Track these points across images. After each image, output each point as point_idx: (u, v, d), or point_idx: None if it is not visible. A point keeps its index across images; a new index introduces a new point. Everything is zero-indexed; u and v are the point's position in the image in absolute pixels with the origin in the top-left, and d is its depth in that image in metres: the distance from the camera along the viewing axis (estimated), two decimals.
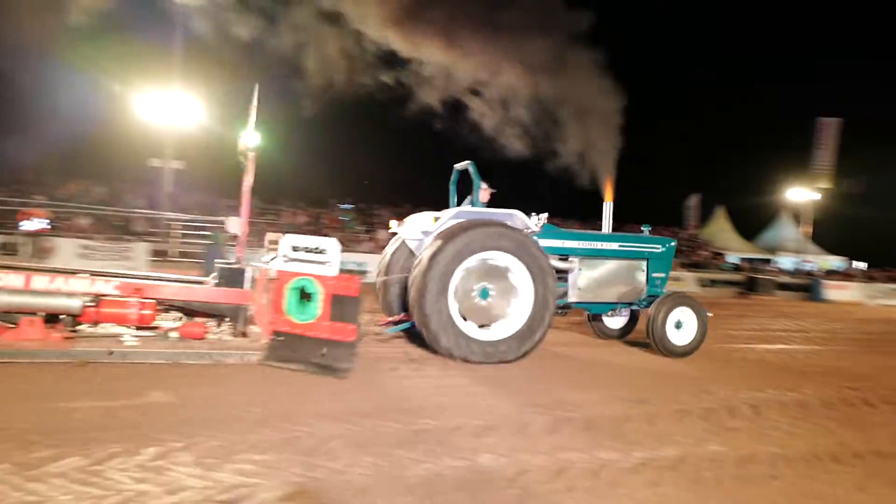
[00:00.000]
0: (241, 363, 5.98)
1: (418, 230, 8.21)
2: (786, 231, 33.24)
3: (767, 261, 29.87)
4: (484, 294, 7.35)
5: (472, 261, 7.21)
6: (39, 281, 6.13)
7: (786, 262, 30.19)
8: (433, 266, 6.94)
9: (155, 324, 6.47)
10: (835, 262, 32.25)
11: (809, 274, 27.69)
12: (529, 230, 7.79)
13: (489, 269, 7.37)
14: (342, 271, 6.08)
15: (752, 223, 35.95)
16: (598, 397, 5.78)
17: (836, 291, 23.93)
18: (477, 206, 8.05)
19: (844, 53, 62.90)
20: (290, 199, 27.32)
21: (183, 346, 6.20)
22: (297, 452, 3.80)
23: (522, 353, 7.21)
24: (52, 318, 5.97)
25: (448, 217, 7.64)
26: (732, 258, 28.72)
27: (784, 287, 23.76)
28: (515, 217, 7.69)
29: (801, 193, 25.06)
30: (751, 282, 22.45)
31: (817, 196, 25.10)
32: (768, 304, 20.38)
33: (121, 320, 6.34)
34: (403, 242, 8.49)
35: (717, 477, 3.95)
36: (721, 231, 31.77)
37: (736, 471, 4.09)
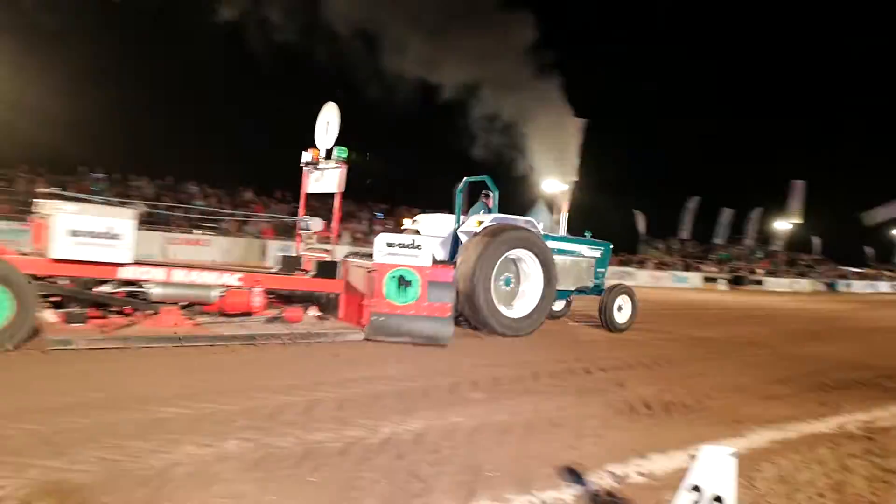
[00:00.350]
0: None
1: (443, 229, 10.32)
2: (543, 218, 36.88)
3: None
4: (507, 282, 9.91)
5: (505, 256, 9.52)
6: (178, 274, 7.19)
7: None
8: (482, 262, 9.03)
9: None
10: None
11: None
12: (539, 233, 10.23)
13: (508, 261, 9.76)
14: None
15: (515, 209, 39.29)
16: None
17: None
18: (495, 213, 10.23)
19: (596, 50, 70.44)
20: (30, 163, 24.07)
21: (305, 328, 7.65)
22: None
23: (538, 326, 9.95)
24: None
25: (489, 221, 9.73)
26: None
27: None
28: (532, 223, 10.13)
29: (555, 184, 27.87)
30: None
31: (566, 188, 28.07)
32: None
33: (243, 308, 7.55)
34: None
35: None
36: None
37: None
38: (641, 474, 4.29)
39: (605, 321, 11.07)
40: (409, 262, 7.78)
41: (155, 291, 7.02)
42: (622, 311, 11.33)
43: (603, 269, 11.85)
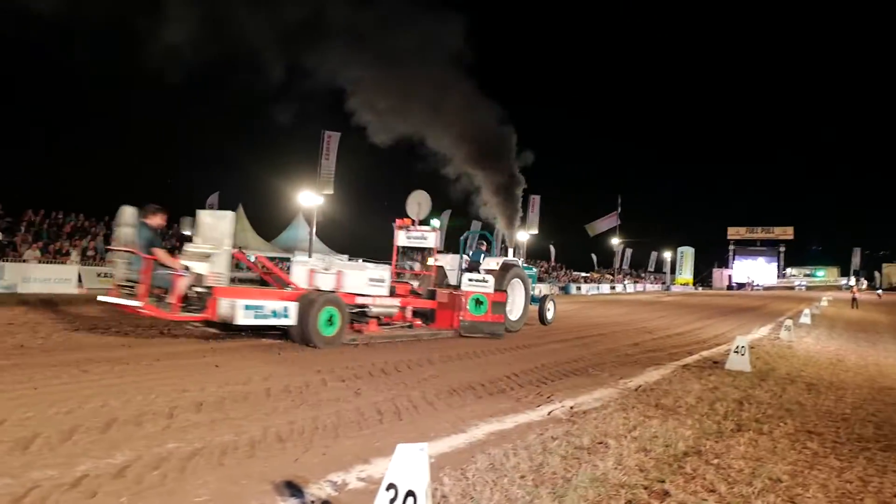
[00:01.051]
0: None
1: (454, 264, 14.85)
2: (301, 231, 36.35)
3: (287, 259, 32.12)
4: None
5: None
6: (385, 301, 12.24)
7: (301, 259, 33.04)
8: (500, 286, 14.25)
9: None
10: (342, 259, 36.77)
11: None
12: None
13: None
14: None
15: (272, 223, 38.27)
16: None
17: None
18: (495, 255, 15.91)
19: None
20: None
21: (426, 331, 12.95)
22: None
23: (522, 325, 15.51)
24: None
25: (500, 261, 15.56)
26: (251, 256, 29.95)
27: None
28: (518, 261, 16.38)
29: (309, 198, 27.66)
30: (263, 279, 23.77)
31: (321, 200, 28.06)
32: None
33: (400, 319, 12.81)
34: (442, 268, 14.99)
35: None
36: (242, 230, 32.91)
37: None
38: (361, 479, 4.33)
39: (541, 319, 16.83)
40: (482, 290, 13.22)
41: (374, 310, 11.87)
42: (550, 311, 17.17)
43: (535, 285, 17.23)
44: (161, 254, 8.81)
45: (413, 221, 15.24)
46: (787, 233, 72.15)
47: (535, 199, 44.74)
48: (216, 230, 9.96)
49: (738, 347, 11.45)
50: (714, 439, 6.10)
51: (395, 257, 14.83)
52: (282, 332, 10.51)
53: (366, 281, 11.54)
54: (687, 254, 72.44)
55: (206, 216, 10.42)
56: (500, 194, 19.01)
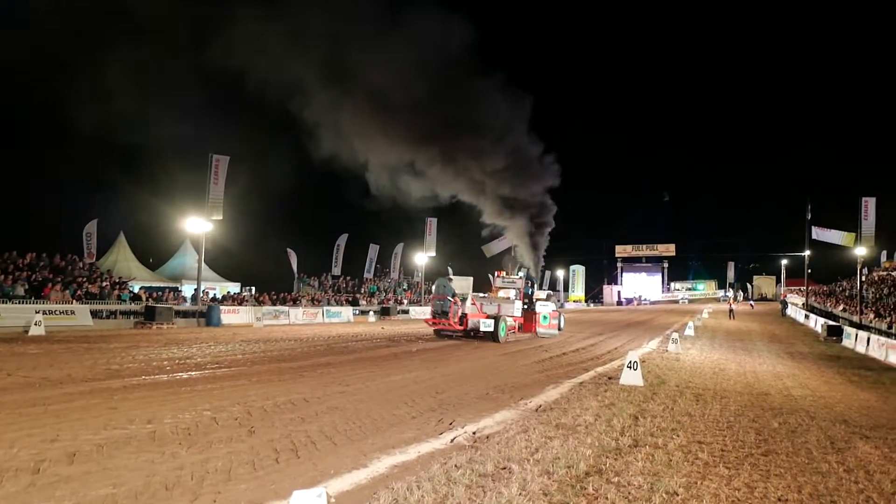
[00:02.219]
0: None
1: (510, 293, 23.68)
2: (188, 259, 34.70)
3: (175, 289, 30.49)
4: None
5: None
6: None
7: (188, 289, 31.45)
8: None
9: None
10: (232, 287, 35.32)
11: (213, 299, 29.50)
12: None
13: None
14: None
15: (156, 251, 36.33)
16: None
17: (230, 316, 26.16)
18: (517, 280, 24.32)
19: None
20: None
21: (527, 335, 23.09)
22: None
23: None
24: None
25: (546, 293, 28.55)
26: (135, 288, 28.23)
27: (184, 314, 24.65)
28: (550, 293, 31.10)
29: (198, 224, 26.44)
30: (149, 311, 22.42)
31: (210, 226, 26.89)
32: (166, 332, 20.72)
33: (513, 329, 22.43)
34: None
35: None
36: (124, 260, 31.00)
37: None
38: None
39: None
40: (546, 311, 23.02)
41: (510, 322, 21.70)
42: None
43: None
44: (457, 299, 20.03)
45: (506, 273, 25.78)
46: (669, 249, 76.70)
47: (432, 222, 45.01)
48: (463, 286, 21.62)
49: (630, 363, 11.85)
50: (613, 456, 6.19)
51: (495, 293, 24.07)
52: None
53: (512, 309, 22.45)
54: (578, 272, 75.27)
55: (458, 280, 22.11)
56: (529, 244, 30.63)
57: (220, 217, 26.98)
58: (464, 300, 20.08)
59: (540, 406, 8.89)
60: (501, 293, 23.29)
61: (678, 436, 7.37)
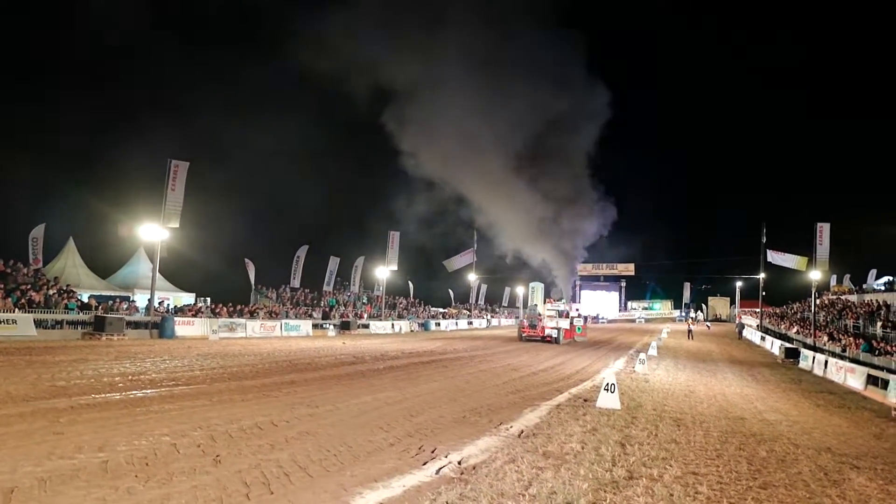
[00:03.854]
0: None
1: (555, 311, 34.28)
2: (142, 268, 33.29)
3: (126, 298, 29.16)
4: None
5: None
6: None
7: (141, 299, 30.12)
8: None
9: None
10: (187, 298, 34.00)
11: (167, 311, 28.26)
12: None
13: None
14: None
15: (107, 258, 34.78)
16: None
17: (184, 327, 25.06)
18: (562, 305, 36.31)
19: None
20: None
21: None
22: None
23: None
24: None
25: (576, 309, 39.90)
26: (85, 296, 26.88)
27: (135, 325, 23.49)
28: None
29: (154, 231, 25.35)
30: (99, 321, 21.23)
31: (167, 234, 25.81)
32: (116, 344, 19.64)
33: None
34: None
35: None
36: (72, 266, 29.52)
37: None
38: None
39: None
40: (579, 323, 35.72)
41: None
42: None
43: None
44: (541, 319, 32.41)
45: (553, 300, 37.98)
46: (628, 269, 77.45)
47: (395, 235, 44.42)
48: (541, 311, 34.55)
49: (608, 385, 11.53)
50: (612, 491, 5.79)
51: (545, 313, 33.63)
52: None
53: (563, 324, 32.11)
54: (537, 288, 75.34)
55: (539, 307, 36.11)
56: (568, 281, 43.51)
57: (177, 225, 25.93)
58: (542, 319, 32.74)
59: (522, 432, 8.45)
60: (550, 313, 33.75)
61: (671, 466, 7.03)
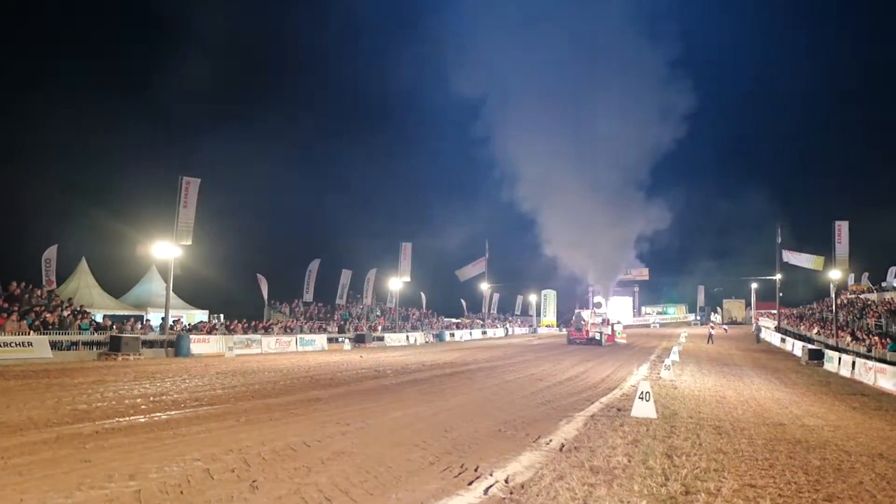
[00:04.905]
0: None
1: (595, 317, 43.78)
2: (155, 286, 33.14)
3: (140, 317, 29.00)
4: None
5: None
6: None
7: (155, 317, 29.94)
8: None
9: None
10: (200, 315, 33.82)
11: (183, 329, 28.05)
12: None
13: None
14: None
15: (120, 278, 34.67)
16: None
17: (200, 345, 24.84)
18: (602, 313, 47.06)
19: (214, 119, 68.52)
20: None
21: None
22: None
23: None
24: None
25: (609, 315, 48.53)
26: (98, 316, 26.73)
27: (151, 344, 23.28)
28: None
29: (167, 249, 25.19)
30: (115, 341, 21.04)
31: (179, 252, 25.64)
32: (133, 364, 19.42)
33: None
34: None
35: None
36: (85, 287, 29.39)
37: None
38: None
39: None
40: (619, 328, 43.00)
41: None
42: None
43: None
44: (586, 324, 39.25)
45: (597, 309, 48.55)
46: (643, 273, 76.79)
47: (407, 247, 44.19)
48: (586, 316, 41.98)
49: (642, 394, 11.18)
50: None
51: (591, 321, 40.23)
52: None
53: (605, 329, 39.94)
54: (550, 296, 74.78)
55: (584, 313, 43.62)
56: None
57: (190, 242, 25.76)
58: (586, 323, 38.99)
59: (563, 445, 8.12)
60: (595, 320, 41.53)
61: (725, 478, 6.68)
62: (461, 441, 8.22)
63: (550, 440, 8.45)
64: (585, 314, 42.36)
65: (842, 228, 34.50)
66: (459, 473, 6.48)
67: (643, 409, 10.96)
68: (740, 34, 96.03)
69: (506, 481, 6.20)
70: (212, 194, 30.27)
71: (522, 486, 6.02)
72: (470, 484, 6.08)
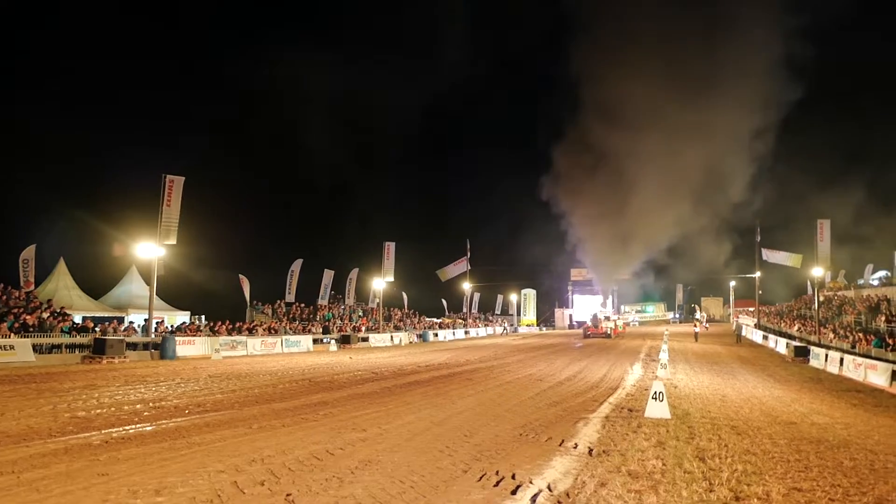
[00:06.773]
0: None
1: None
2: (135, 287, 32.33)
3: (121, 319, 28.24)
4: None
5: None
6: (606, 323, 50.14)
7: (137, 319, 29.19)
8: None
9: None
10: (182, 316, 33.07)
11: (167, 331, 27.36)
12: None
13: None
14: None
15: (99, 278, 33.80)
16: None
17: (185, 347, 24.24)
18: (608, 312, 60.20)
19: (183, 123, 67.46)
20: None
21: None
22: None
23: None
24: None
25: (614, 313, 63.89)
26: (78, 318, 25.95)
27: (135, 347, 22.62)
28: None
29: (149, 249, 24.54)
30: (98, 343, 20.38)
31: (162, 252, 25.00)
32: (119, 367, 18.82)
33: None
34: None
35: None
36: (64, 288, 28.52)
37: None
38: None
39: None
40: (621, 323, 57.40)
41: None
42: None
43: None
44: (601, 321, 48.74)
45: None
46: (622, 273, 77.38)
47: (390, 247, 43.80)
48: (601, 313, 54.63)
49: (656, 394, 11.03)
50: None
51: (601, 320, 48.58)
52: None
53: (614, 324, 50.19)
54: (529, 295, 74.92)
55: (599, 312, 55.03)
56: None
57: (174, 242, 25.13)
58: (600, 321, 47.15)
59: (591, 449, 7.90)
60: (603, 317, 50.48)
61: (767, 481, 6.52)
62: (485, 446, 7.96)
63: (576, 444, 8.22)
64: (600, 314, 52.15)
65: (823, 226, 34.95)
66: (498, 482, 6.21)
67: (657, 410, 10.81)
68: None
69: (549, 489, 5.95)
70: (194, 193, 29.60)
71: (568, 495, 5.78)
72: (513, 493, 5.82)
